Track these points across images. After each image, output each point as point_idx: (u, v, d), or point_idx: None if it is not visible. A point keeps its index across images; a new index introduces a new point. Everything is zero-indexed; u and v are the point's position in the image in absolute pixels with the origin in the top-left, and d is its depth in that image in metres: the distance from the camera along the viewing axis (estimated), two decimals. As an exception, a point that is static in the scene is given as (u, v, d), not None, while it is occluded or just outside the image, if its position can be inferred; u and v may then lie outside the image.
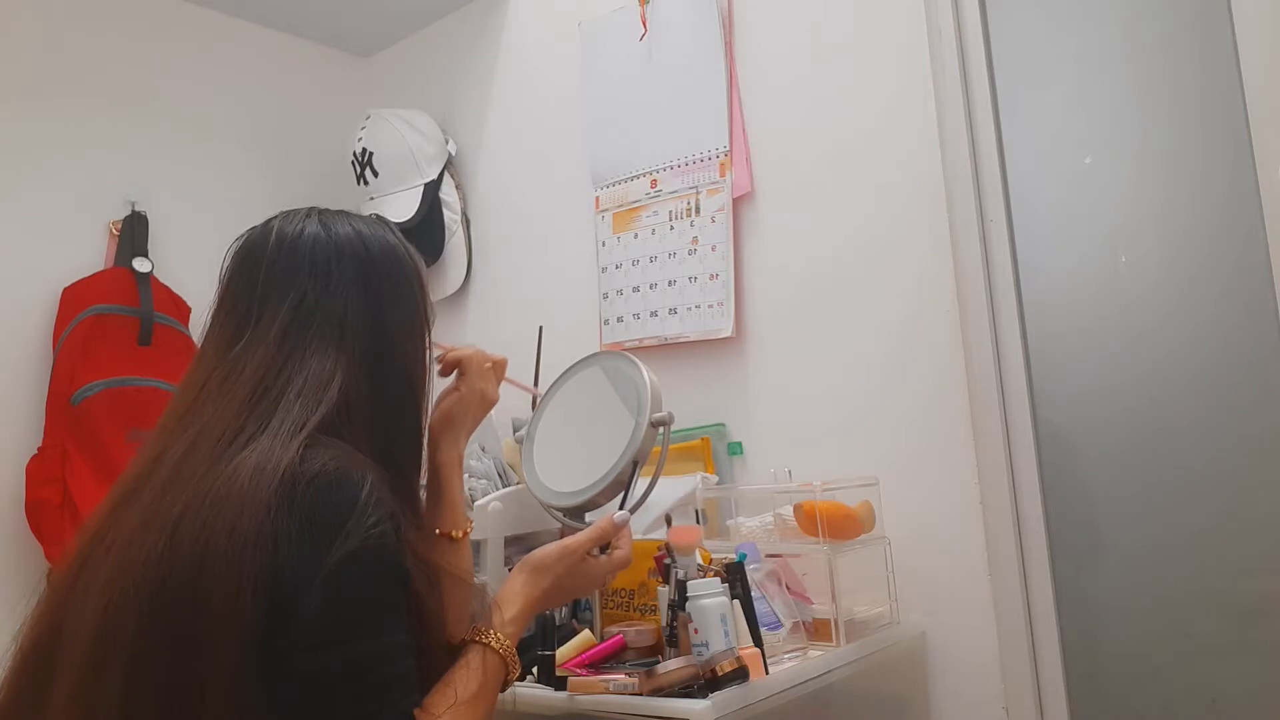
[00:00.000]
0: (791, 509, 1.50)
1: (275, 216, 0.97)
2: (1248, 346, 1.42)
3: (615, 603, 1.40)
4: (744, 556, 1.33)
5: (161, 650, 0.75)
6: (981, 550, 1.54)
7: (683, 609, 1.20)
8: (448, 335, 2.10)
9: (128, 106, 2.21)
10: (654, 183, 1.99)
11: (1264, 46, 1.37)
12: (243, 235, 0.97)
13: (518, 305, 2.27)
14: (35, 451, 1.94)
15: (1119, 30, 1.58)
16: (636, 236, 2.01)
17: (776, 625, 1.37)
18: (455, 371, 1.15)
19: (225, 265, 0.96)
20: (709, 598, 1.18)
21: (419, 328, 0.98)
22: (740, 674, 1.15)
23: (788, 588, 1.44)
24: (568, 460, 1.30)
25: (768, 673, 1.24)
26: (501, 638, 0.93)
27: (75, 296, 2.01)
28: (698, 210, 1.91)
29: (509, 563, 1.44)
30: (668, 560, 1.28)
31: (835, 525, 1.45)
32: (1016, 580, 1.50)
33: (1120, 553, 1.52)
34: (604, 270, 2.06)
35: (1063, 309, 1.58)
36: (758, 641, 1.25)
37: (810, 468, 1.60)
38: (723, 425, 1.85)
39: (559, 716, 1.21)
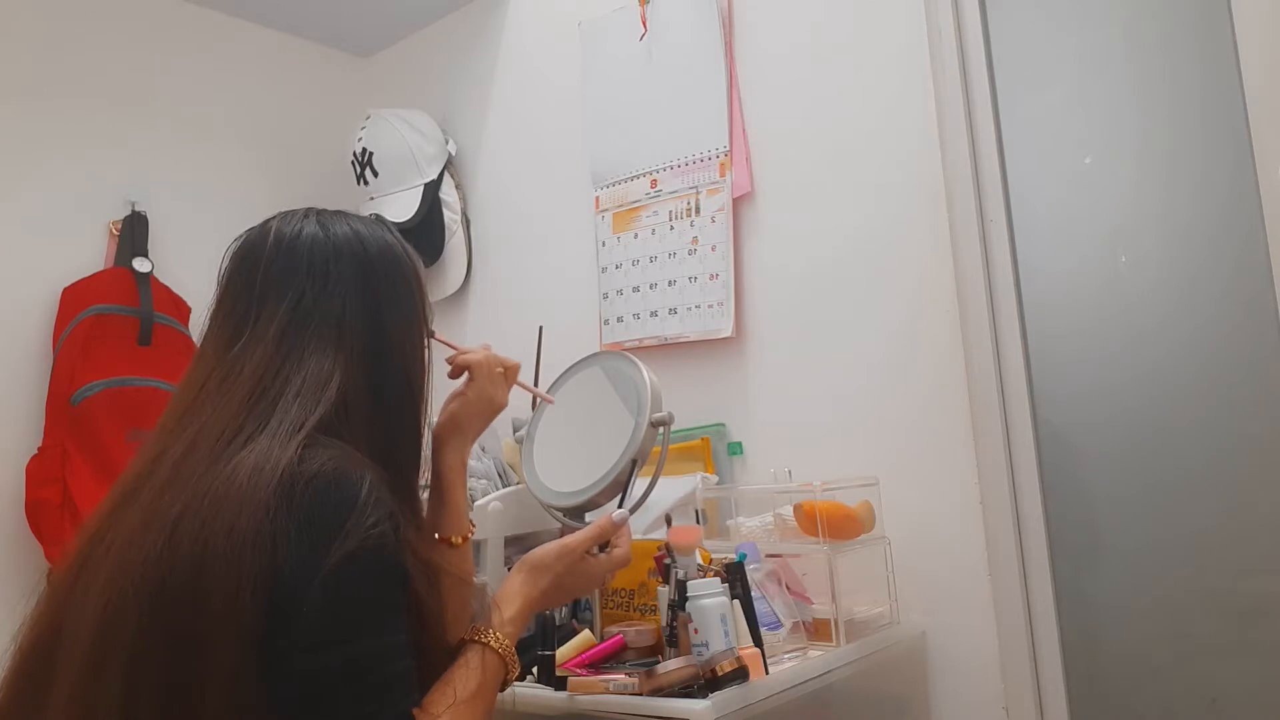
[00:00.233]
0: (791, 509, 1.50)
1: (274, 217, 0.97)
2: (1248, 346, 1.41)
3: (615, 603, 1.40)
4: (744, 556, 1.33)
5: (161, 650, 0.75)
6: (981, 550, 1.54)
7: (683, 609, 1.20)
8: (448, 335, 2.11)
9: (128, 106, 2.21)
10: (654, 183, 1.99)
11: (1264, 46, 1.37)
12: (241, 236, 0.97)
13: (518, 305, 2.27)
14: (35, 451, 1.94)
15: (1119, 30, 1.58)
16: (636, 236, 2.01)
17: (776, 625, 1.37)
18: (464, 374, 1.13)
19: (224, 266, 0.96)
20: (709, 598, 1.18)
21: (417, 327, 0.98)
22: (740, 674, 1.15)
23: (788, 588, 1.44)
24: (568, 460, 1.30)
25: (768, 673, 1.24)
26: (500, 637, 0.93)
27: (75, 296, 2.01)
28: (698, 210, 1.91)
29: (509, 563, 1.44)
30: (668, 560, 1.28)
31: (835, 525, 1.45)
32: (1016, 580, 1.50)
33: (1120, 553, 1.52)
34: (604, 270, 2.06)
35: (1063, 309, 1.58)
36: (758, 641, 1.25)
37: (810, 468, 1.59)
38: (723, 425, 1.85)
39: (559, 716, 1.21)
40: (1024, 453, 1.53)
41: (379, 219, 1.01)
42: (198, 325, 0.98)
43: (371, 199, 2.36)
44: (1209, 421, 1.45)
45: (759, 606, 1.32)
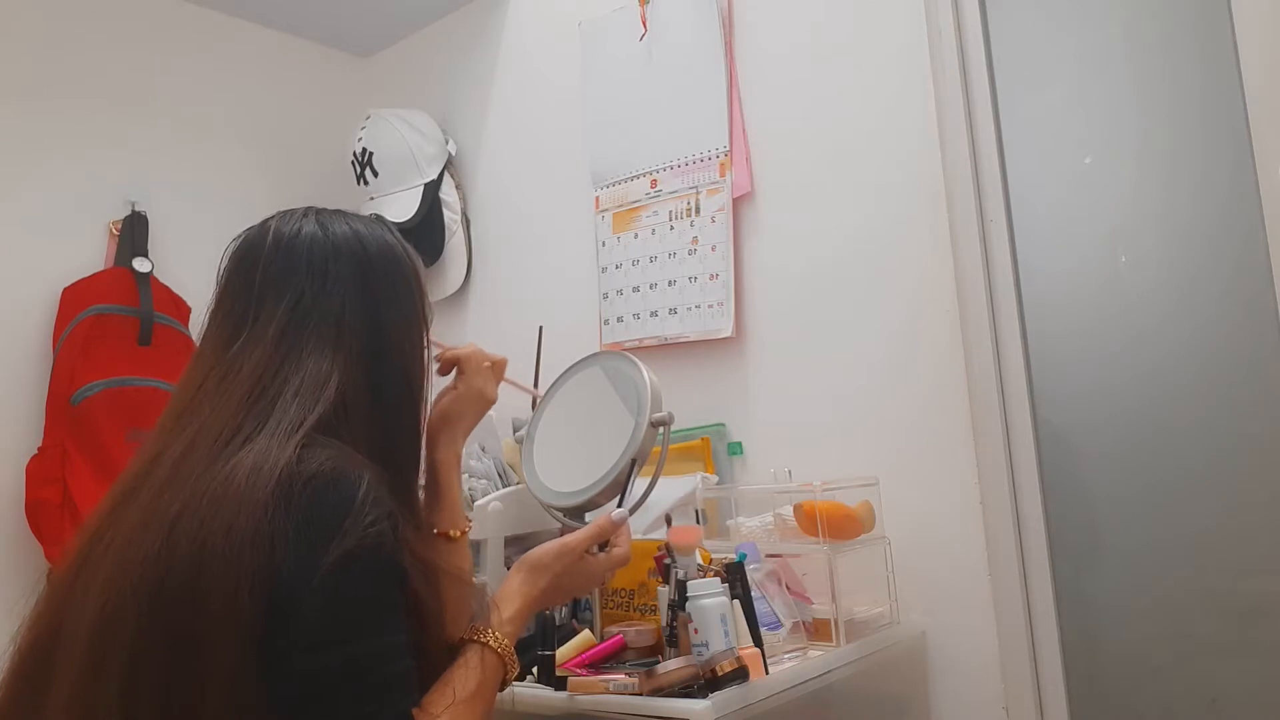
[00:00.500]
0: (791, 509, 1.50)
1: (273, 216, 0.97)
2: (1248, 346, 1.41)
3: (615, 603, 1.40)
4: (744, 556, 1.33)
5: (161, 650, 0.75)
6: (981, 550, 1.54)
7: (683, 609, 1.20)
8: (448, 335, 2.10)
9: (128, 106, 2.21)
10: (654, 183, 1.99)
11: (1264, 46, 1.37)
12: (240, 235, 0.96)
13: (518, 305, 2.27)
14: (35, 451, 1.94)
15: (1119, 30, 1.58)
16: (636, 236, 2.01)
17: (776, 625, 1.37)
18: (454, 370, 1.15)
19: (223, 265, 0.96)
20: (709, 598, 1.18)
21: (417, 326, 0.98)
22: (740, 674, 1.15)
23: (788, 588, 1.44)
24: (568, 460, 1.30)
25: (768, 673, 1.24)
26: (500, 637, 0.93)
27: (75, 296, 2.01)
28: (698, 210, 1.91)
29: (509, 563, 1.44)
30: (668, 560, 1.28)
31: (835, 525, 1.45)
32: (1016, 580, 1.50)
33: (1120, 553, 1.52)
34: (604, 270, 2.06)
35: (1063, 309, 1.58)
36: (758, 641, 1.25)
37: (810, 468, 1.59)
38: (723, 425, 1.85)
39: (559, 716, 1.21)
40: (1024, 453, 1.53)
41: (379, 218, 1.01)
42: (198, 325, 0.98)
43: (371, 199, 2.36)
44: (1209, 421, 1.45)
45: (759, 606, 1.32)
